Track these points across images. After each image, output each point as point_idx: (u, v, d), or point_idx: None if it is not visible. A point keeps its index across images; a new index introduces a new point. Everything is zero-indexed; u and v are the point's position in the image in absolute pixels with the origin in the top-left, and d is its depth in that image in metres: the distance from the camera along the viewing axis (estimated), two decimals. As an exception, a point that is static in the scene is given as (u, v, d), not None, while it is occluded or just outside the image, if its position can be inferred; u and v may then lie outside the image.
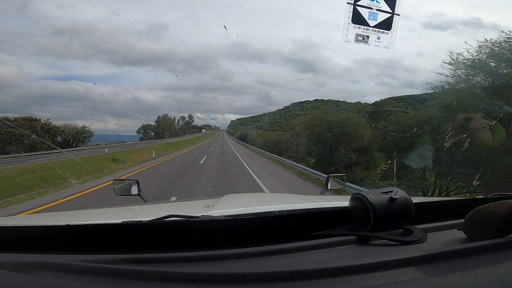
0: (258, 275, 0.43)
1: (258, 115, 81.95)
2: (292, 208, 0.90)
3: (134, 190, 1.49)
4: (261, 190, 6.59)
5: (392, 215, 0.57)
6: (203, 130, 76.86)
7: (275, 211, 0.86)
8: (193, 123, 74.58)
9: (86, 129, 25.95)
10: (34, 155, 16.73)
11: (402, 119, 10.03)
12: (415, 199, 0.66)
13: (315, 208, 0.95)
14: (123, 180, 1.78)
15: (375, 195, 0.57)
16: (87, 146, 23.68)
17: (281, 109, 76.32)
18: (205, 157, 15.13)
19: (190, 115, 72.62)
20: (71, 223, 0.57)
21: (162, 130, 57.83)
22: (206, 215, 0.74)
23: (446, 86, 8.08)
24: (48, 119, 24.62)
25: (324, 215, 0.68)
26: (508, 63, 6.80)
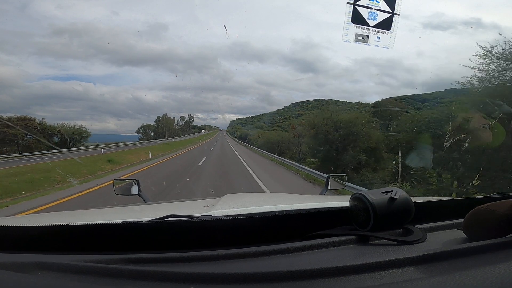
0: (258, 275, 0.43)
1: (258, 115, 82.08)
2: (292, 208, 0.90)
3: (134, 190, 1.49)
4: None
5: (392, 215, 0.57)
6: (203, 130, 76.80)
7: (275, 211, 0.86)
8: (193, 123, 74.68)
9: (83, 129, 25.87)
10: (29, 155, 16.67)
11: (416, 118, 9.44)
12: (415, 199, 0.67)
13: (315, 208, 0.95)
14: (124, 180, 1.78)
15: (375, 195, 0.58)
16: (84, 146, 23.55)
17: (281, 109, 76.48)
18: (204, 158, 14.56)
19: (190, 115, 72.72)
20: (71, 223, 0.57)
21: (162, 130, 57.78)
22: (206, 215, 0.74)
23: (476, 82, 7.55)
24: (43, 119, 24.53)
25: (324, 215, 0.68)
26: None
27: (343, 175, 1.77)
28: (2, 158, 15.93)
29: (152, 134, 56.14)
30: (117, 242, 0.55)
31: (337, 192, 4.47)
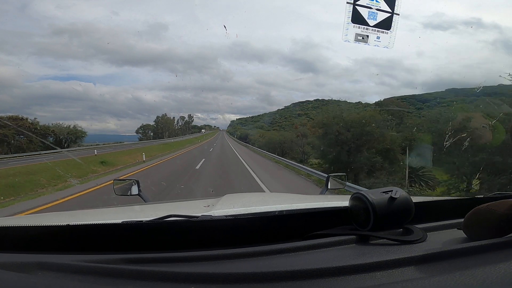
0: (258, 275, 0.43)
1: (258, 115, 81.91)
2: (292, 208, 0.90)
3: (134, 190, 1.49)
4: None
5: (392, 214, 0.57)
6: (202, 130, 76.69)
7: (275, 211, 0.86)
8: (193, 123, 74.59)
9: (79, 129, 25.44)
10: (19, 156, 16.20)
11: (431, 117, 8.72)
12: (415, 199, 0.67)
13: (315, 208, 0.95)
14: (123, 180, 1.79)
15: (375, 195, 0.58)
16: (79, 147, 23.17)
17: (281, 109, 76.28)
18: (203, 159, 13.45)
19: (190, 115, 72.64)
20: (71, 223, 0.57)
21: (161, 130, 57.72)
22: (206, 215, 0.74)
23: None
24: (35, 118, 23.96)
25: (324, 215, 0.68)
26: None
27: (343, 175, 1.77)
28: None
29: (152, 134, 56.15)
30: (117, 242, 0.55)
31: (336, 192, 4.45)
